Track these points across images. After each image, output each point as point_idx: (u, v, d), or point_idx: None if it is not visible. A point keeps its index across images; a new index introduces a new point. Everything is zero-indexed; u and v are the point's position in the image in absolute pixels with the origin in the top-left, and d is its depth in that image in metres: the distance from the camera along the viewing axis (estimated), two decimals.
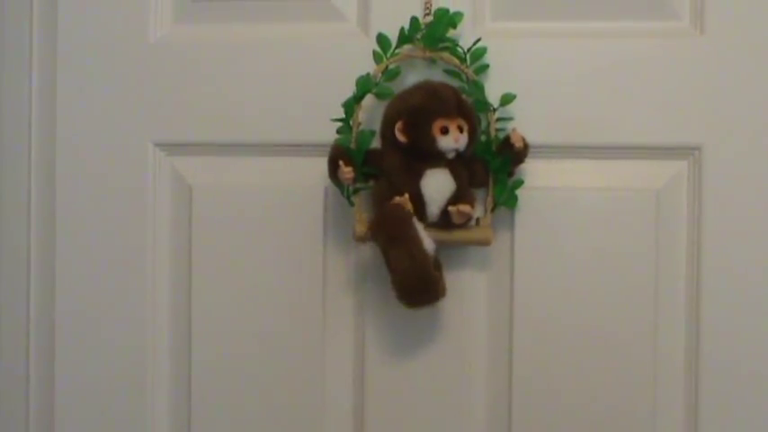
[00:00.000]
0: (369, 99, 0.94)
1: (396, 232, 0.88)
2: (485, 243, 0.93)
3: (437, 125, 0.88)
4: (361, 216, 0.93)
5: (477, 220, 0.94)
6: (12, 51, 1.04)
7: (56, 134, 1.02)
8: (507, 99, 0.94)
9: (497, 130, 0.93)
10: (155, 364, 1.02)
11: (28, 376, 1.05)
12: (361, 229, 0.92)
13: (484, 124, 0.93)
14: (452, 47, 0.94)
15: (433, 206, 0.90)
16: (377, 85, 0.93)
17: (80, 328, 1.02)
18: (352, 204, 0.94)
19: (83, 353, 1.02)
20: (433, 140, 0.88)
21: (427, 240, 0.89)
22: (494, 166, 0.93)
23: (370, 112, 0.95)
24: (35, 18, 1.04)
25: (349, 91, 0.93)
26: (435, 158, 0.89)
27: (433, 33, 0.93)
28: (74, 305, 1.02)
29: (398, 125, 0.89)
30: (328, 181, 0.94)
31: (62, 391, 1.02)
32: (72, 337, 1.02)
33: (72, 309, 1.02)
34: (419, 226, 0.89)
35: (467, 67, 0.93)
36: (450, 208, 0.89)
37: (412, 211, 0.89)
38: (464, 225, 0.91)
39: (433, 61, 0.95)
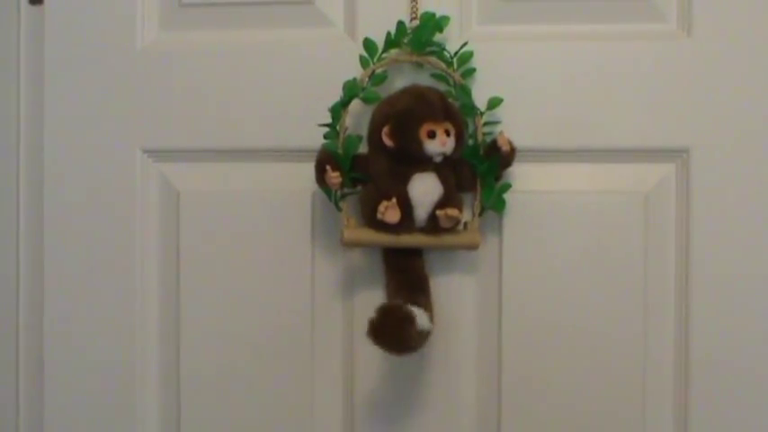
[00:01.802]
0: (356, 104, 0.93)
1: (397, 336, 0.86)
2: (472, 247, 0.93)
3: (424, 129, 0.88)
4: (348, 221, 0.93)
5: (465, 224, 0.94)
6: None
7: (44, 141, 1.02)
8: (494, 103, 0.94)
9: (485, 133, 0.93)
10: (143, 371, 1.02)
11: (17, 384, 1.05)
12: (348, 234, 0.92)
13: (471, 128, 0.93)
14: (439, 51, 0.93)
15: (421, 210, 0.90)
16: (364, 89, 0.93)
17: (69, 335, 1.01)
18: (339, 209, 0.93)
19: (71, 359, 1.02)
20: (420, 144, 0.88)
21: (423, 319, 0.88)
22: (481, 169, 0.92)
23: (357, 117, 0.95)
24: (22, 25, 1.04)
25: (336, 96, 0.93)
26: (422, 162, 0.89)
27: (419, 37, 0.93)
28: (62, 312, 1.02)
29: (385, 129, 0.89)
30: (316, 186, 0.94)
31: (51, 398, 1.02)
32: (60, 344, 1.02)
33: (60, 316, 1.02)
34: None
35: (454, 70, 0.93)
36: (438, 212, 0.89)
37: (400, 216, 0.89)
38: (452, 229, 0.91)
39: (419, 65, 0.95)
